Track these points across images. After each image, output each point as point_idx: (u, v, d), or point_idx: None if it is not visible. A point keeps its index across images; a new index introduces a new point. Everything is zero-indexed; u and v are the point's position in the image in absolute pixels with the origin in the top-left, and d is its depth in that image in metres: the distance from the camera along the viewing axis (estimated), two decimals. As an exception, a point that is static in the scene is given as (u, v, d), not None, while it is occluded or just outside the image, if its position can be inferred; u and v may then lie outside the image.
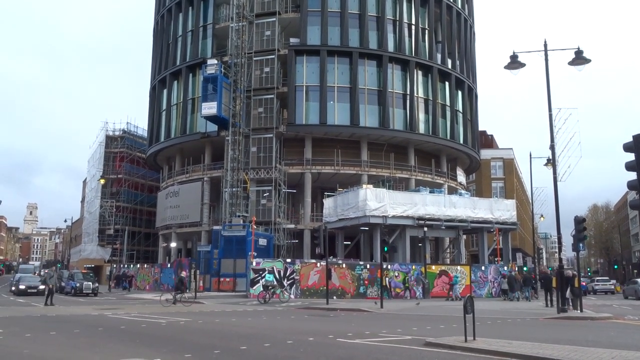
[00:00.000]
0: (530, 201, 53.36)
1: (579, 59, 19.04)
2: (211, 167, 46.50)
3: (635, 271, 78.08)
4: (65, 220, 76.45)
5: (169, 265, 40.79)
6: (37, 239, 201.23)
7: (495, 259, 37.78)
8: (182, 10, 49.93)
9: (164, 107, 50.83)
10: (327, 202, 38.47)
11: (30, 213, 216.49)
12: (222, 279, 35.05)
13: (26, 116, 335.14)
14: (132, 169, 64.62)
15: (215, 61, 42.56)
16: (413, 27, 47.29)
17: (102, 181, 57.14)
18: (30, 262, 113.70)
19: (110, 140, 65.56)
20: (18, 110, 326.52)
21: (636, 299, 34.89)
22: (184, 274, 27.15)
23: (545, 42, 20.46)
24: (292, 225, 43.02)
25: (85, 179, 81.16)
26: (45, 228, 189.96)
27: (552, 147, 20.28)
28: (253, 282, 29.34)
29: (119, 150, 64.67)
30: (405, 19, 46.76)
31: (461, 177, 54.27)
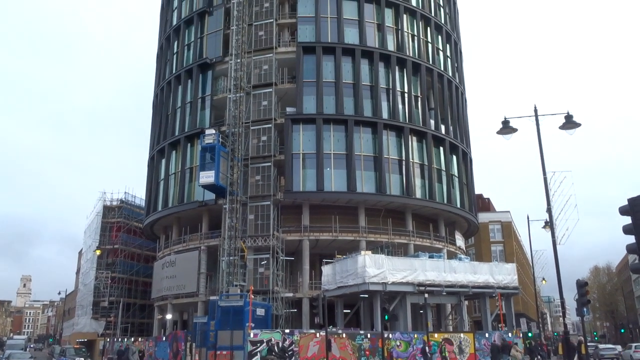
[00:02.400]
0: (531, 264, 52.85)
1: (569, 123, 19.44)
2: (208, 235, 46.23)
3: (643, 335, 76.17)
4: (59, 293, 75.18)
5: (164, 339, 39.62)
6: (30, 312, 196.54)
7: (499, 325, 36.88)
8: (182, 83, 51.34)
9: (162, 176, 51.20)
10: (326, 270, 37.97)
11: (24, 285, 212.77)
12: (218, 352, 33.93)
13: (29, 184, 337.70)
14: (128, 239, 64.14)
15: (213, 131, 43.30)
16: (406, 95, 48.56)
17: (98, 252, 56.56)
18: (16, 337, 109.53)
19: (107, 210, 65.48)
20: (22, 178, 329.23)
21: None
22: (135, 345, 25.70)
23: (535, 107, 20.93)
24: (291, 294, 42.26)
25: (81, 249, 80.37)
26: (39, 301, 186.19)
27: (549, 211, 20.32)
28: (251, 355, 28.41)
29: (116, 220, 64.45)
30: (398, 88, 48.09)
31: (460, 241, 53.98)
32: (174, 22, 55.39)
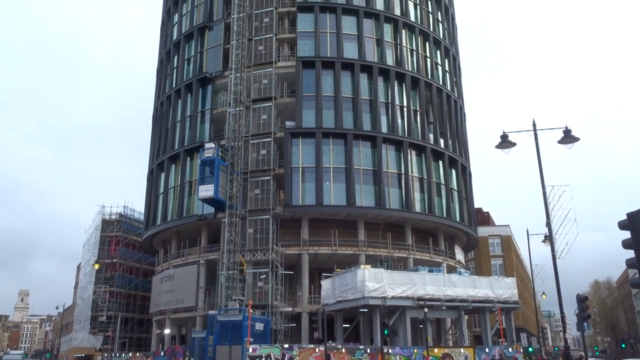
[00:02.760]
0: (531, 278, 52.67)
1: (568, 137, 19.50)
2: (207, 249, 46.09)
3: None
4: (57, 307, 74.67)
5: (162, 354, 39.35)
6: (27, 327, 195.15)
7: (500, 340, 36.65)
8: (181, 97, 51.54)
9: (162, 190, 51.18)
10: (325, 284, 37.81)
11: (22, 300, 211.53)
12: (217, 367, 33.65)
13: (29, 198, 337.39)
14: (127, 253, 63.91)
15: (213, 145, 43.37)
16: (405, 109, 48.75)
17: (97, 266, 56.35)
18: (13, 352, 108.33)
19: (106, 224, 65.32)
20: (22, 192, 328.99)
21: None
22: None
23: (533, 122, 20.98)
24: (290, 308, 42.02)
25: (80, 264, 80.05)
26: (36, 315, 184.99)
27: (549, 225, 20.30)
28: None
29: (115, 234, 64.28)
30: (397, 102, 48.28)
31: (459, 255, 53.85)
32: (174, 37, 55.77)
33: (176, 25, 56.70)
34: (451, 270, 44.56)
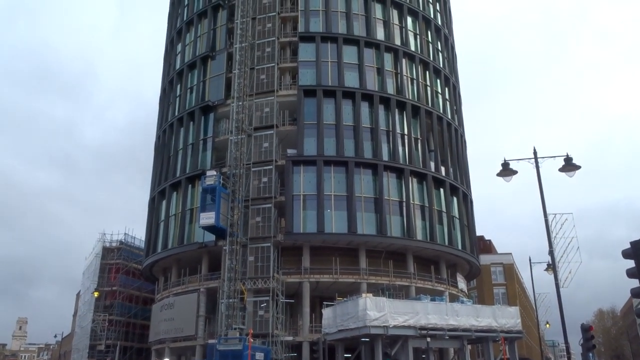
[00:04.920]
0: (534, 307, 52.10)
1: (569, 165, 19.52)
2: (208, 277, 45.78)
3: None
4: (55, 336, 73.82)
5: (161, 384, 38.73)
6: (25, 356, 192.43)
7: (504, 371, 36.01)
8: (184, 125, 51.90)
9: (163, 217, 51.11)
10: (326, 312, 37.39)
11: (20, 328, 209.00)
12: (216, 398, 33.12)
13: (32, 224, 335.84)
14: (127, 281, 63.48)
15: (215, 172, 43.49)
16: (406, 137, 49.00)
17: (96, 294, 55.94)
18: None
19: (107, 251, 65.05)
20: (25, 218, 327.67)
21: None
22: None
23: (534, 150, 21.01)
24: (291, 338, 41.51)
25: (79, 291, 79.43)
26: (34, 344, 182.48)
27: (551, 254, 20.19)
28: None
29: (115, 261, 63.97)
30: (398, 130, 48.57)
31: (462, 283, 53.40)
32: (177, 66, 56.48)
33: (179, 55, 57.48)
34: (454, 299, 44.13)
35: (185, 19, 58.05)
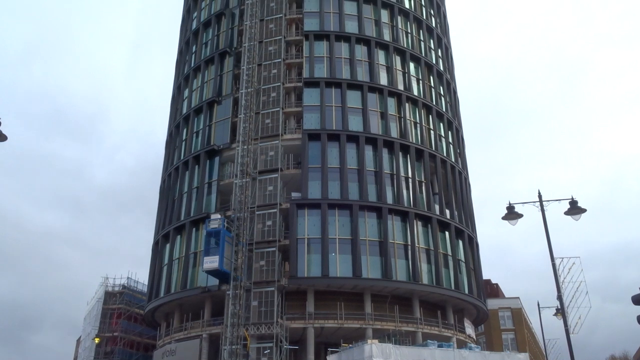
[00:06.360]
0: (545, 354, 50.81)
1: (575, 208, 19.40)
2: (210, 322, 45.04)
3: None
4: (54, 384, 72.21)
5: None
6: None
7: (515, 421, 34.83)
8: (189, 169, 52.23)
9: (166, 261, 50.77)
10: (331, 359, 36.55)
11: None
12: None
13: (38, 267, 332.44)
14: (129, 326, 62.56)
15: (219, 216, 43.44)
16: (410, 180, 49.08)
17: (97, 340, 55.07)
18: None
19: (109, 296, 64.40)
20: (29, 261, 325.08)
21: None
22: None
23: (539, 193, 20.92)
24: (295, 386, 40.48)
25: (80, 337, 78.17)
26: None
27: (560, 298, 19.82)
28: None
29: (117, 306, 63.22)
30: (402, 173, 48.71)
31: (469, 329, 52.29)
32: (184, 111, 57.33)
33: (186, 100, 58.44)
34: (461, 345, 43.16)
35: (192, 65, 59.33)
